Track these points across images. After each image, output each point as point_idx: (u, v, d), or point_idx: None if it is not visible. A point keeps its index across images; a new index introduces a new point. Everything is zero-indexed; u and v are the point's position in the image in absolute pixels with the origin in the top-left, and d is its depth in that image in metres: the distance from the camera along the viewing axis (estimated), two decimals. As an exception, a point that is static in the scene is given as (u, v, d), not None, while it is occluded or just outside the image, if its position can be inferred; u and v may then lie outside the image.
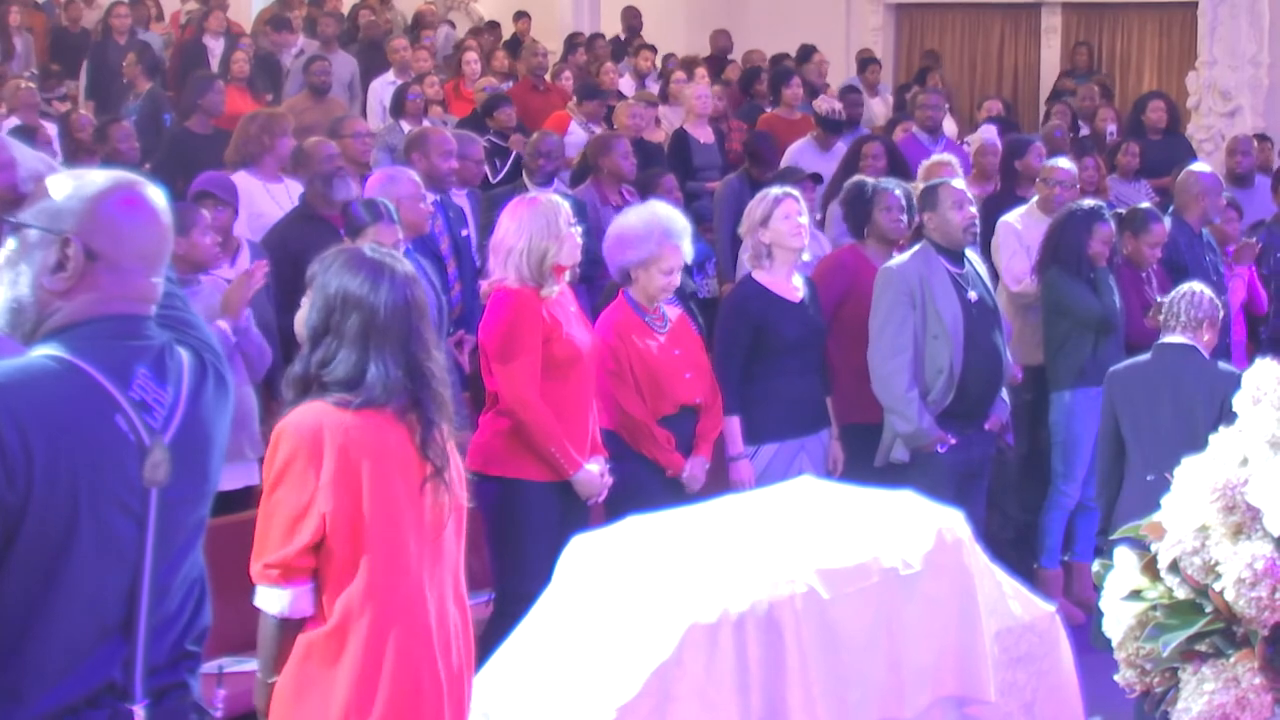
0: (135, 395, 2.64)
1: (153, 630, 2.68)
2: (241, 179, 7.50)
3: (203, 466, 2.80)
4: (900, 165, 9.15)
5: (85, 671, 2.61)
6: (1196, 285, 5.82)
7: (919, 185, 7.53)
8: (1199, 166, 8.43)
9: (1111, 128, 11.80)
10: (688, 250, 5.94)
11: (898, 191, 6.90)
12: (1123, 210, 7.90)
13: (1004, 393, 6.57)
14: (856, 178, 7.14)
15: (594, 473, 5.60)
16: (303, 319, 3.64)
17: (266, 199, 7.75)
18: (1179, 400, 5.61)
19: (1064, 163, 8.18)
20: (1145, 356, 5.88)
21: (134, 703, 2.65)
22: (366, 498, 3.50)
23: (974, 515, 5.95)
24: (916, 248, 6.43)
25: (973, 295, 6.38)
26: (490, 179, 9.39)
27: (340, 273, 3.64)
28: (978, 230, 6.77)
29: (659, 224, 5.86)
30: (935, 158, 8.39)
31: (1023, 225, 7.75)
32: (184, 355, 2.77)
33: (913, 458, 6.25)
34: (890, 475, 5.83)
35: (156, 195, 2.76)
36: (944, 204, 6.39)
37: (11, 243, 2.64)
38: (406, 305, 3.64)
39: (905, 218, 6.82)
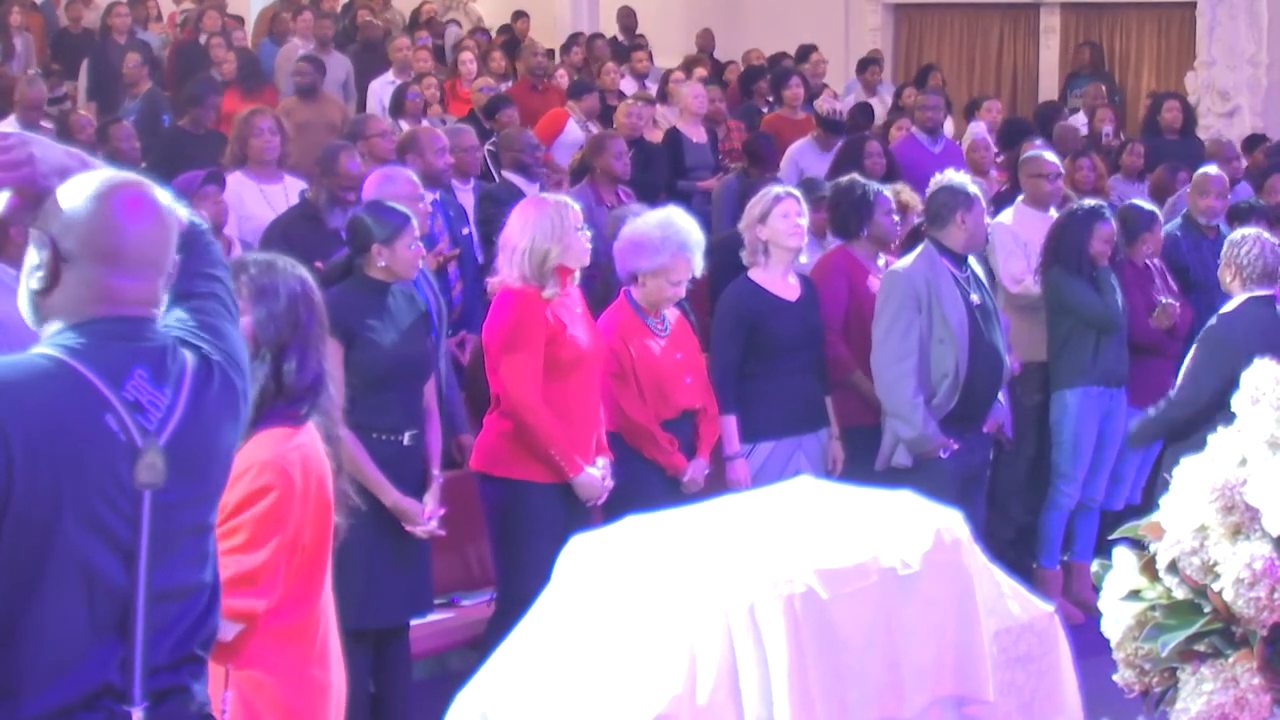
0: (129, 395, 2.62)
1: (152, 632, 2.66)
2: (235, 180, 7.51)
3: (203, 470, 2.76)
4: (893, 166, 9.16)
5: (81, 672, 2.60)
6: None
7: (903, 188, 7.53)
8: (1210, 169, 8.40)
9: (1108, 128, 11.80)
10: (699, 264, 5.91)
11: (888, 193, 6.89)
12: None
13: (1001, 395, 6.57)
14: (848, 177, 7.10)
15: (595, 476, 5.59)
16: (248, 330, 3.46)
17: (259, 201, 7.73)
18: None
19: (1048, 155, 8.15)
20: None
21: (133, 705, 2.63)
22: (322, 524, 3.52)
23: (974, 518, 5.93)
24: (920, 250, 6.37)
25: (975, 298, 6.35)
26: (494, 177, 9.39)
27: (284, 275, 3.59)
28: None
29: (676, 235, 5.82)
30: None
31: (1015, 221, 7.70)
32: (188, 357, 2.74)
33: (915, 463, 6.23)
34: (892, 480, 5.79)
35: (161, 196, 2.74)
36: (978, 209, 6.36)
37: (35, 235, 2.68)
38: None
39: (898, 219, 6.82)
